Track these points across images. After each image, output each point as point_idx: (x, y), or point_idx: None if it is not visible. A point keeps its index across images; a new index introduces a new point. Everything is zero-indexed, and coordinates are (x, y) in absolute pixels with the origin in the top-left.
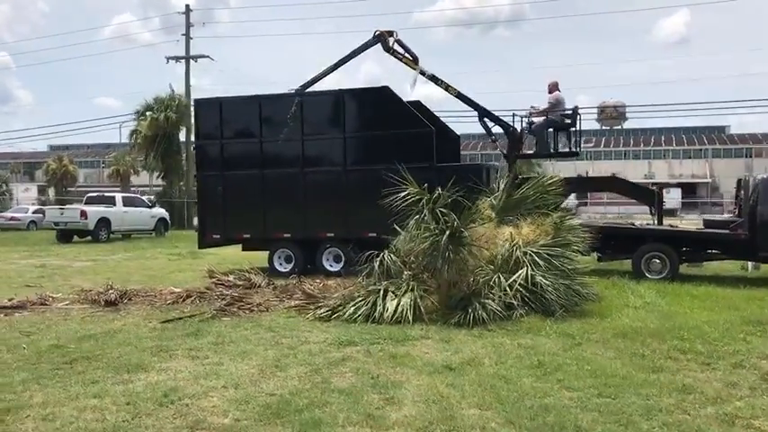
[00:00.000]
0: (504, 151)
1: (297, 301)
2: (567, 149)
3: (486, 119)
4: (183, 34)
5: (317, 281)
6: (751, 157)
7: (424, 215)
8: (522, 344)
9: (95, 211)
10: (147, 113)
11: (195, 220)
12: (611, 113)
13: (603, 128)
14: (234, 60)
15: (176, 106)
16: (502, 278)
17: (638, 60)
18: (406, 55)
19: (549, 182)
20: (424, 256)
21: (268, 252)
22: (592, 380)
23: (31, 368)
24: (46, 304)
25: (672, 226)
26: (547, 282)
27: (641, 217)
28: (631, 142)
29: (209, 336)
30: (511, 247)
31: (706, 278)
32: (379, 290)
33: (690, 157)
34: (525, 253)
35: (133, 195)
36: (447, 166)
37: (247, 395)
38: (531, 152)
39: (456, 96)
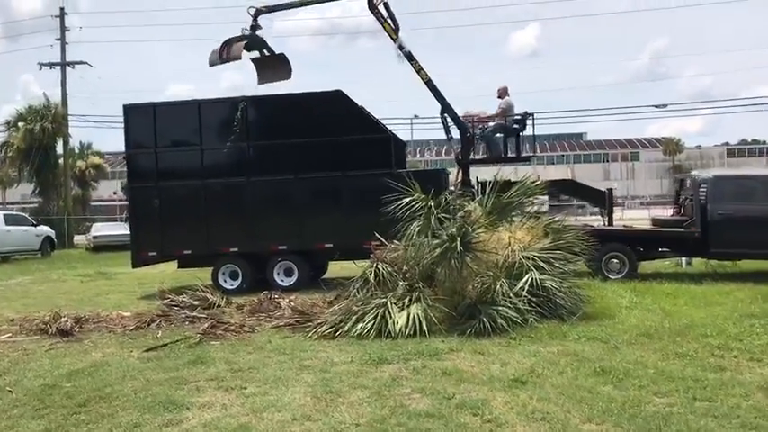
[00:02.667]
0: (459, 156)
1: (286, 320)
2: (516, 154)
3: (446, 116)
4: (57, 39)
5: (276, 295)
6: (608, 161)
7: (432, 222)
8: (560, 351)
9: None
10: (20, 124)
11: (76, 239)
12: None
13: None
14: (104, 68)
15: (52, 116)
16: (505, 283)
17: (496, 72)
18: (389, 20)
19: (534, 185)
20: (421, 265)
21: (212, 269)
22: (671, 383)
23: (40, 414)
24: None
25: (626, 226)
26: (555, 286)
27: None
28: (484, 150)
29: (218, 363)
30: (512, 252)
31: (655, 275)
32: (385, 302)
33: (553, 163)
34: (527, 257)
35: (16, 213)
36: (407, 172)
37: (332, 428)
38: (481, 157)
39: (425, 82)
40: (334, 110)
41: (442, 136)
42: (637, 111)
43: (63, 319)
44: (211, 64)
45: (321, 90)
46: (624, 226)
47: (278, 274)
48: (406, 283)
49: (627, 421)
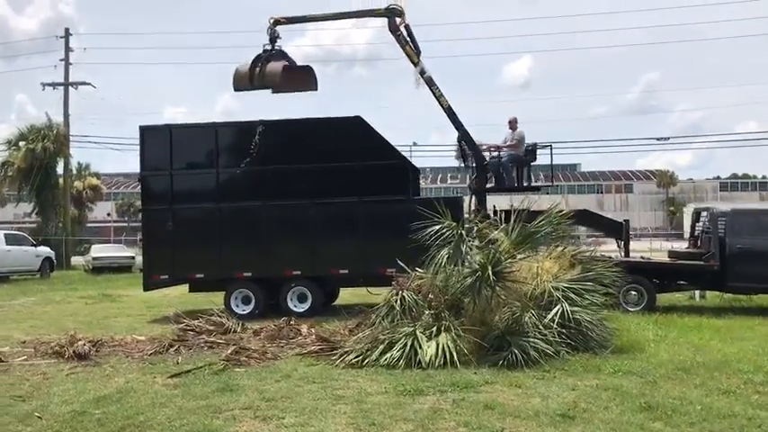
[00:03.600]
0: (474, 183)
1: (310, 347)
2: (528, 184)
3: (464, 143)
4: (61, 60)
5: (294, 322)
6: (602, 192)
7: (463, 250)
8: (599, 385)
9: None
10: (21, 144)
11: (74, 260)
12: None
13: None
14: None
15: (54, 136)
16: (534, 314)
17: (490, 102)
18: (410, 44)
19: (561, 214)
20: (450, 294)
21: (224, 293)
22: (724, 421)
23: None
24: (1, 360)
25: (643, 258)
26: (587, 318)
27: None
28: (493, 179)
29: (248, 391)
30: (540, 282)
31: (672, 308)
32: (413, 332)
33: (548, 193)
34: (557, 288)
35: (16, 233)
36: (424, 199)
37: None
38: (492, 185)
39: (446, 109)
40: (353, 135)
41: (439, 164)
42: (629, 143)
43: (80, 343)
44: (237, 88)
45: (340, 116)
46: (642, 257)
47: (291, 299)
48: (432, 312)
49: None
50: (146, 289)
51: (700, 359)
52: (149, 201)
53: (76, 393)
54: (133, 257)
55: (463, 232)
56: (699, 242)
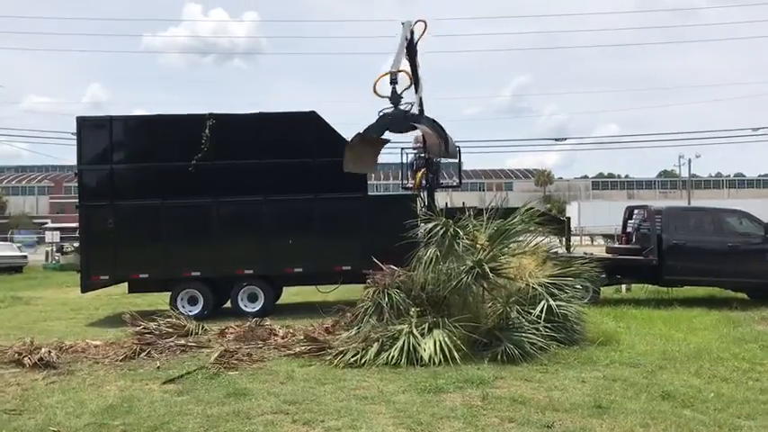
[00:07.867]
0: (423, 181)
1: (298, 348)
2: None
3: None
4: None
5: (266, 322)
6: (483, 190)
7: (459, 248)
8: (604, 376)
9: None
10: None
11: None
12: None
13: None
14: None
15: None
16: (519, 309)
17: (370, 102)
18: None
19: (534, 212)
20: (439, 290)
21: (170, 294)
22: (745, 406)
23: None
24: None
25: (586, 253)
26: (572, 312)
27: None
28: (381, 176)
29: (263, 395)
30: (525, 279)
31: (611, 301)
32: (410, 329)
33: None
34: (540, 283)
35: None
36: (380, 196)
37: None
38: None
39: (420, 104)
40: (307, 131)
41: None
42: (504, 143)
43: (44, 351)
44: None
45: (294, 110)
46: (585, 253)
47: (241, 299)
48: (417, 309)
49: None
50: (84, 290)
51: (675, 348)
52: (88, 196)
53: (77, 405)
54: (26, 257)
55: (459, 230)
56: (633, 238)
